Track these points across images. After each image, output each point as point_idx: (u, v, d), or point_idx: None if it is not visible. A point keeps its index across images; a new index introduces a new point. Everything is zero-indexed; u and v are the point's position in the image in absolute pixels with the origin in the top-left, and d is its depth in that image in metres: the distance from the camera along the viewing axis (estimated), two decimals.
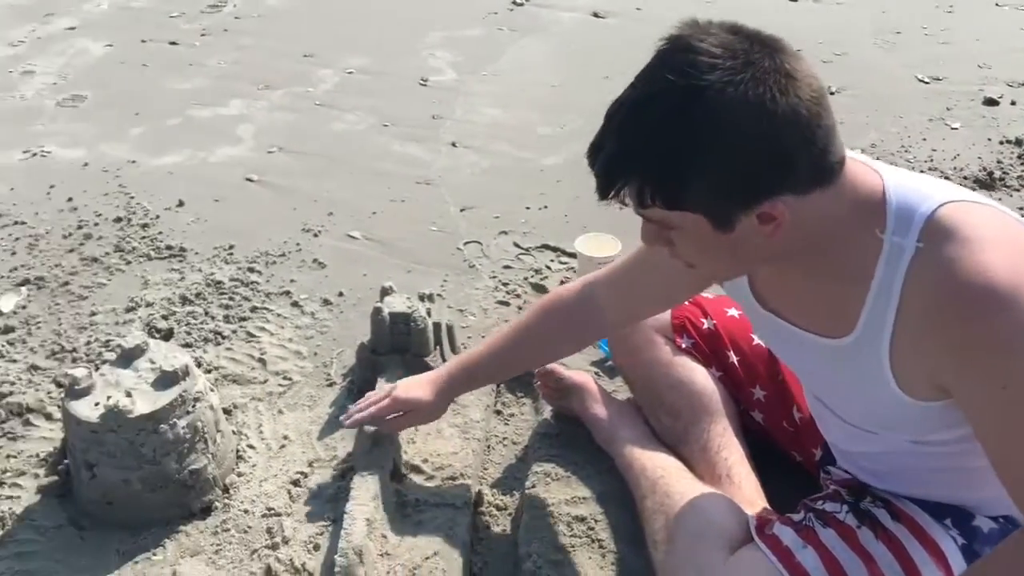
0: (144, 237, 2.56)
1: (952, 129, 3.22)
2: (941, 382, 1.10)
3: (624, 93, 1.08)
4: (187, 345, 2.08)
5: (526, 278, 2.37)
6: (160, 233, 2.58)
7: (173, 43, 4.11)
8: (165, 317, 2.18)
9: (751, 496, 1.50)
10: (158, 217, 2.67)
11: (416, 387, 1.63)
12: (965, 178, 2.83)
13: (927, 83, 3.63)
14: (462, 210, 2.72)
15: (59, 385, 1.96)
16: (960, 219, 1.06)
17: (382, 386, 1.80)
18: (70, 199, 2.77)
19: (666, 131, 1.03)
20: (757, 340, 1.64)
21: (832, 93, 3.51)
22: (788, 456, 1.62)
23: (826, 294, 1.18)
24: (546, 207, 2.72)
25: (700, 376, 1.63)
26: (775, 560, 1.26)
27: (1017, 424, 1.03)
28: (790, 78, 1.01)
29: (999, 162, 2.95)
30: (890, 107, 3.38)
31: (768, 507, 1.47)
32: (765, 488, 1.53)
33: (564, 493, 1.63)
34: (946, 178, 2.82)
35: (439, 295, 2.26)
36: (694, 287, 1.52)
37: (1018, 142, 3.07)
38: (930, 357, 1.09)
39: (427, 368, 1.85)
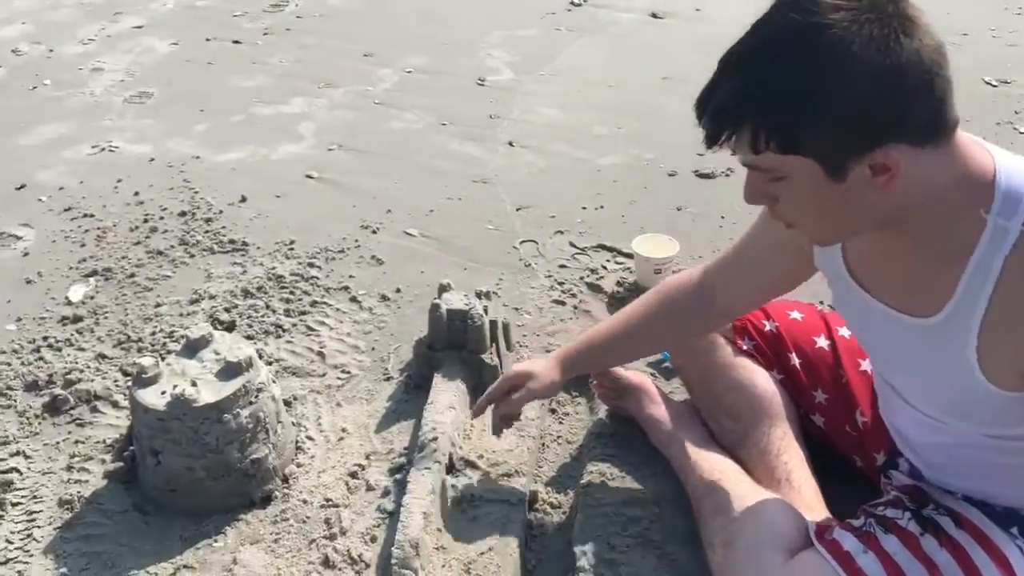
0: (208, 231, 2.61)
1: (1020, 133, 3.14)
2: None
3: (740, 39, 1.06)
4: (248, 337, 2.12)
5: (582, 278, 2.37)
6: (223, 227, 2.63)
7: (236, 42, 4.19)
8: (227, 310, 2.23)
9: (811, 501, 1.48)
10: (221, 212, 2.73)
11: (532, 362, 1.64)
12: None
13: (995, 86, 3.54)
14: (518, 209, 2.73)
15: (126, 374, 2.01)
16: None
17: (438, 382, 1.82)
18: (136, 193, 2.84)
19: (786, 69, 1.01)
20: (820, 343, 1.62)
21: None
22: (849, 461, 1.60)
23: (921, 270, 1.15)
24: (602, 207, 2.71)
25: (761, 378, 1.61)
26: (836, 565, 1.24)
27: None
28: (913, 23, 1.00)
29: None
30: (958, 110, 3.31)
31: (828, 513, 1.45)
32: (825, 493, 1.51)
33: (619, 493, 1.62)
34: None
35: (495, 292, 2.28)
36: (802, 273, 1.47)
37: None
38: (1022, 344, 1.07)
39: (482, 365, 1.86)
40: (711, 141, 1.08)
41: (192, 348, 1.68)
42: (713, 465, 1.54)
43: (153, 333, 2.16)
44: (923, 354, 1.19)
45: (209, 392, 1.58)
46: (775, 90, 1.02)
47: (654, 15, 4.41)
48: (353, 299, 2.28)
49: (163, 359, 1.68)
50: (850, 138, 1.02)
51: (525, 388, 1.61)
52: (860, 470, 1.58)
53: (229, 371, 1.62)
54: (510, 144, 3.17)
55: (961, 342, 1.12)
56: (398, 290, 2.32)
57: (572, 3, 4.59)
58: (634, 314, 1.63)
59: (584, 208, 2.72)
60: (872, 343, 1.37)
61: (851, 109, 1.00)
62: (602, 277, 2.37)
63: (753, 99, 1.04)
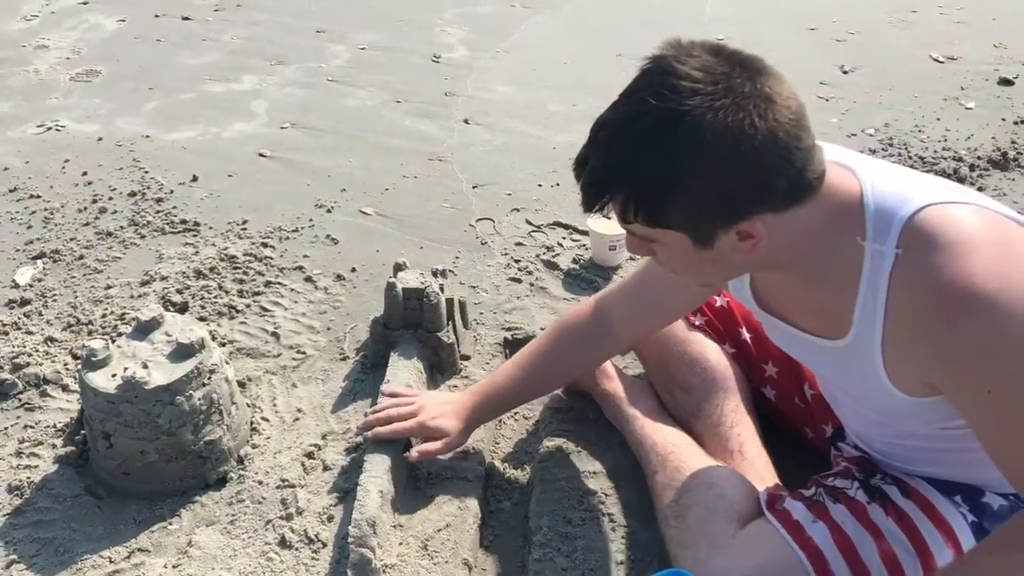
0: (158, 211, 2.57)
1: (966, 109, 3.20)
2: (931, 382, 1.12)
3: (608, 110, 1.10)
4: (201, 319, 2.10)
5: (538, 255, 2.38)
6: (174, 207, 2.59)
7: (186, 18, 4.11)
8: (180, 291, 2.20)
9: (762, 472, 1.51)
10: (172, 192, 2.69)
11: (443, 417, 1.61)
12: (979, 158, 2.82)
13: (942, 63, 3.60)
14: (474, 187, 2.73)
15: (75, 357, 1.98)
16: (939, 223, 1.06)
17: (394, 361, 1.82)
18: (85, 173, 2.78)
19: (646, 154, 1.04)
20: None
21: (845, 72, 3.50)
22: (800, 432, 1.63)
23: (820, 298, 1.20)
24: (558, 184, 2.72)
25: (713, 353, 1.64)
26: (785, 534, 1.27)
27: (1006, 420, 1.06)
28: (770, 102, 1.02)
29: (1013, 142, 2.92)
30: (904, 87, 3.36)
31: (779, 483, 1.48)
32: (776, 464, 1.54)
33: (575, 468, 1.64)
34: (959, 159, 2.81)
35: (451, 271, 2.28)
36: (700, 297, 1.56)
37: None
38: (918, 360, 1.11)
39: (439, 343, 1.86)
40: (586, 208, 1.12)
41: (143, 330, 1.66)
42: (667, 439, 1.57)
43: (104, 316, 2.12)
44: (843, 371, 1.23)
45: (161, 374, 1.57)
46: (639, 170, 1.05)
47: None
48: (308, 279, 2.26)
49: (113, 341, 1.66)
50: (712, 215, 1.07)
51: (427, 444, 1.59)
52: (811, 442, 1.61)
53: (181, 353, 1.60)
54: (465, 122, 3.15)
55: (870, 360, 1.16)
56: (353, 269, 2.30)
57: None
58: (535, 355, 1.65)
59: (540, 186, 2.73)
60: (802, 360, 1.43)
61: (710, 190, 1.04)
62: (558, 254, 2.38)
63: (619, 176, 1.08)
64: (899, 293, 1.09)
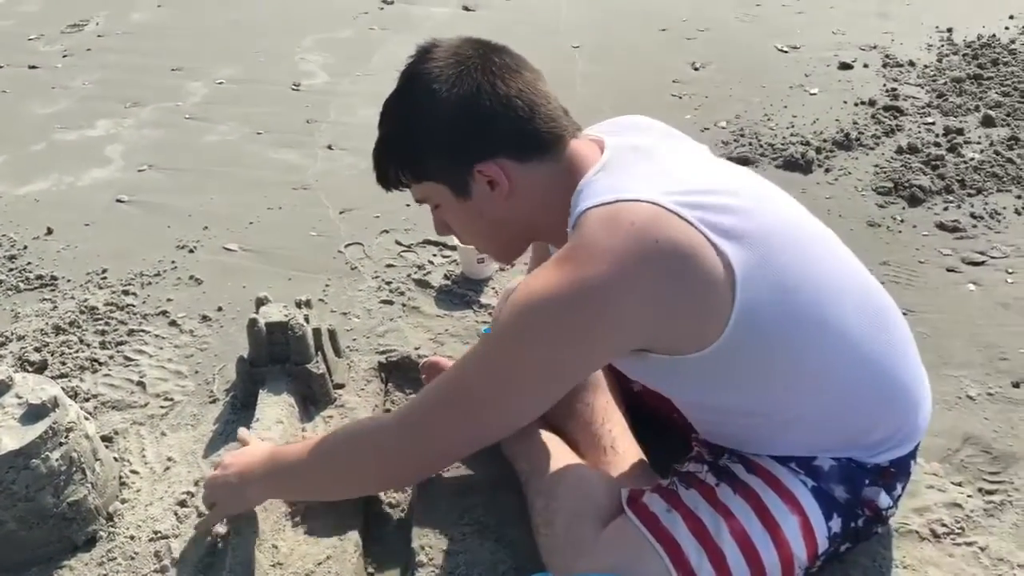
0: (12, 269, 2.47)
1: (811, 95, 3.35)
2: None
3: None
4: (63, 375, 2.03)
5: (409, 275, 2.38)
6: (29, 263, 2.50)
7: (33, 67, 3.99)
8: (38, 349, 2.12)
9: (635, 466, 1.53)
10: (26, 247, 2.59)
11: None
12: (824, 140, 2.95)
13: (786, 52, 3.76)
14: (341, 212, 2.71)
15: None
16: (579, 231, 1.18)
17: (263, 398, 1.79)
18: None
19: (394, 113, 1.32)
20: None
21: (696, 69, 3.62)
22: (670, 421, 1.67)
23: None
24: None
25: None
26: (643, 528, 1.29)
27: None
28: (492, 64, 1.27)
29: (855, 123, 3.08)
30: (753, 78, 3.50)
31: (654, 475, 1.50)
32: (649, 455, 1.57)
33: (455, 483, 1.64)
34: (806, 143, 2.93)
35: (321, 300, 2.26)
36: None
37: (871, 103, 3.22)
38: None
39: (309, 375, 1.84)
40: (382, 185, 1.39)
41: None
42: (539, 446, 1.58)
43: None
44: None
45: (12, 438, 1.50)
46: (392, 129, 1.32)
47: (466, 8, 4.45)
48: (172, 323, 2.21)
49: None
50: (455, 156, 1.28)
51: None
52: (681, 429, 1.65)
53: (33, 414, 1.54)
54: (329, 147, 3.14)
55: None
56: (219, 308, 2.26)
57: (384, 2, 4.57)
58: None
59: (408, 205, 2.73)
60: None
61: (444, 133, 1.27)
62: (429, 272, 2.39)
63: (383, 143, 1.35)
64: None
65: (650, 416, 1.69)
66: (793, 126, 3.09)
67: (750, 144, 2.96)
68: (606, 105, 3.14)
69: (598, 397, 1.64)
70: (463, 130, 1.25)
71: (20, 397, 1.58)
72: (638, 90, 3.37)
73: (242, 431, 1.65)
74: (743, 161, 2.82)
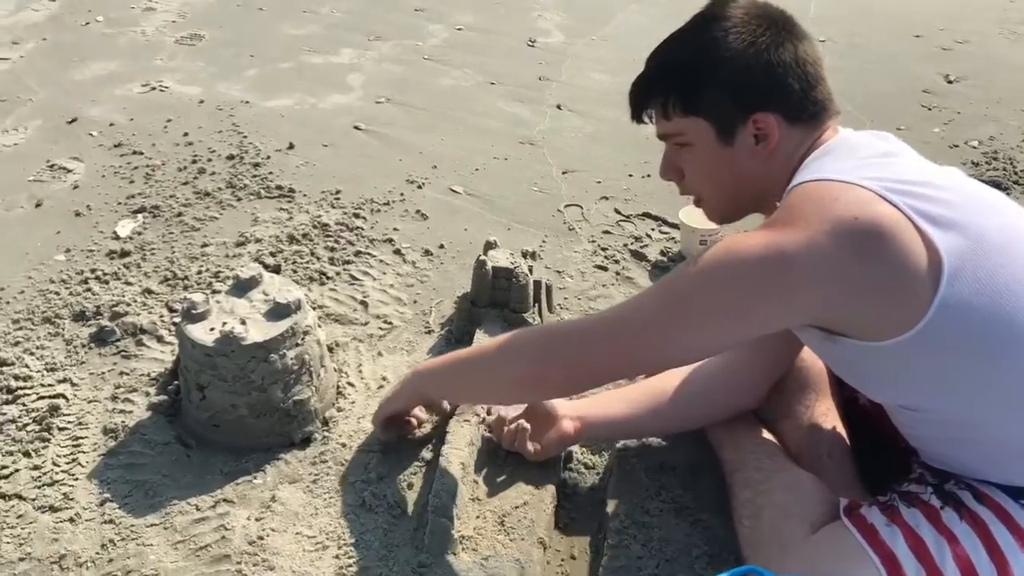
0: (255, 176, 2.63)
1: None
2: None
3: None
4: (294, 282, 2.14)
5: (626, 245, 2.37)
6: (271, 173, 2.65)
7: None
8: (273, 254, 2.25)
9: (847, 479, 1.48)
10: (269, 158, 2.74)
11: (562, 420, 1.59)
12: None
13: None
14: (564, 172, 2.72)
15: (171, 310, 2.04)
16: (785, 202, 1.21)
17: (479, 338, 1.83)
18: (186, 134, 2.86)
19: (686, 45, 1.34)
20: None
21: (950, 82, 3.40)
22: (892, 441, 1.59)
23: None
24: (649, 176, 2.70)
25: (808, 353, 1.61)
26: (860, 538, 1.25)
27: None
28: (795, 36, 1.31)
29: None
30: (1013, 99, 3.25)
31: (863, 491, 1.45)
32: (864, 472, 1.51)
33: (654, 459, 1.63)
34: None
35: (539, 254, 2.28)
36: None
37: None
38: None
39: (524, 324, 1.87)
40: (633, 113, 1.40)
41: (242, 287, 1.70)
42: (749, 439, 1.55)
43: (199, 272, 2.18)
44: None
45: (257, 331, 1.60)
46: (677, 61, 1.34)
47: None
48: (397, 252, 2.29)
49: (213, 296, 1.70)
50: (735, 99, 1.29)
51: (533, 444, 1.58)
52: (903, 451, 1.57)
53: (277, 312, 1.64)
54: (558, 107, 3.15)
55: None
56: (442, 246, 2.33)
57: None
58: (655, 393, 1.61)
59: (631, 176, 2.71)
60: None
61: (732, 73, 1.28)
62: (646, 245, 2.37)
63: (661, 71, 1.36)
64: None
65: (871, 433, 1.62)
66: None
67: (1004, 170, 2.75)
68: (851, 105, 3.00)
69: (819, 402, 1.58)
70: (754, 75, 1.28)
71: (267, 294, 1.69)
72: (885, 94, 3.20)
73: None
74: (994, 186, 2.63)
